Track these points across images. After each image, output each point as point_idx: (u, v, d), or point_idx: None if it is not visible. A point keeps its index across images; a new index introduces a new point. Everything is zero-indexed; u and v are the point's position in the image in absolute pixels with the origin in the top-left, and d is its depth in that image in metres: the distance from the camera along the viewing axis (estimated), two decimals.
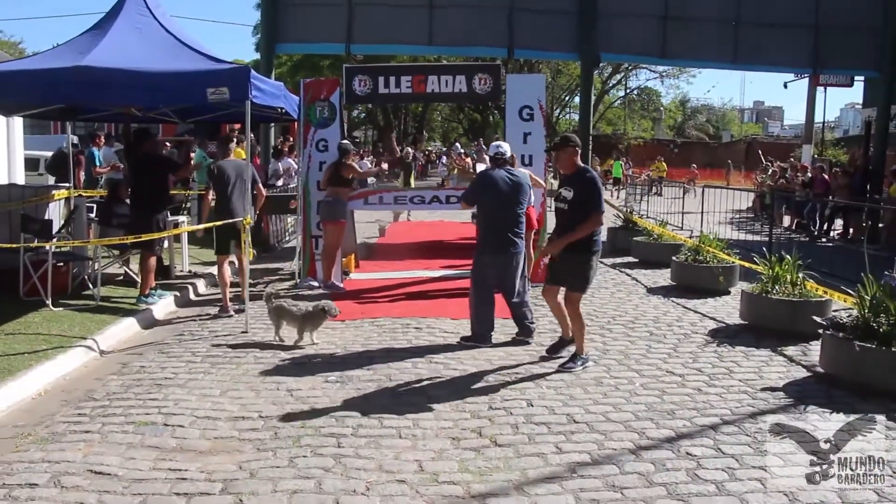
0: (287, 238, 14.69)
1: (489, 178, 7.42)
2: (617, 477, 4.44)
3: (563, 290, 6.83)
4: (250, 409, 5.57)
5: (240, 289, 9.02)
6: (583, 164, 6.75)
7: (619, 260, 12.94)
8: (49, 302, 8.36)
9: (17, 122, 14.77)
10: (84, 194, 11.25)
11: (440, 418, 5.39)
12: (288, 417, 5.38)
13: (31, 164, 19.25)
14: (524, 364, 6.74)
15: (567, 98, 53.85)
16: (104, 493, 4.23)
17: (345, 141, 10.46)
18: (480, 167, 12.03)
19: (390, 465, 4.59)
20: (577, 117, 46.54)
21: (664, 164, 37.65)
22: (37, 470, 4.54)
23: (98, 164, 14.04)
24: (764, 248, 9.84)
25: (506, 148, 7.73)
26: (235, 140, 10.39)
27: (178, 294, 9.50)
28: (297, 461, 4.64)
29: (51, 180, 16.64)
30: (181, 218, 11.49)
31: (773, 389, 6.07)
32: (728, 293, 9.84)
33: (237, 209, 8.61)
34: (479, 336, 7.40)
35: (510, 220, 7.34)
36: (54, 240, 9.41)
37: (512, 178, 7.40)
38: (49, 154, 19.80)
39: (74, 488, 4.31)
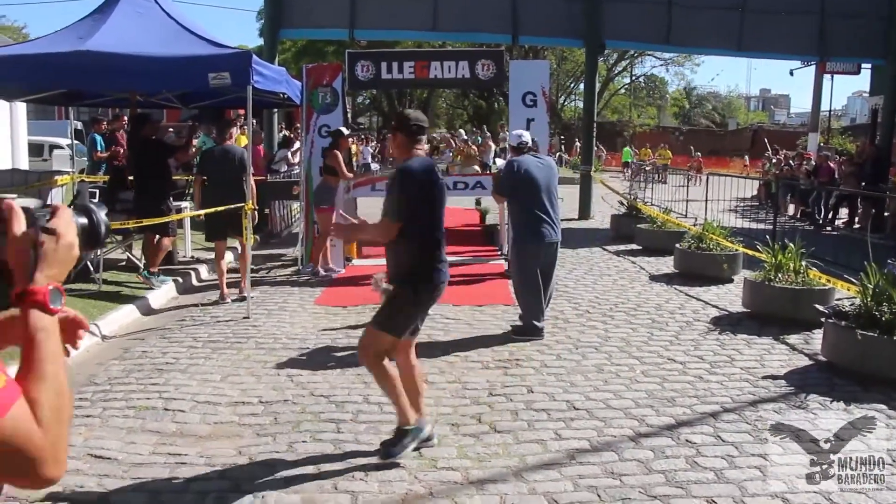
0: (294, 224, 14.65)
1: (523, 166, 7.17)
2: (616, 464, 4.44)
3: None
4: (251, 395, 5.57)
5: (240, 275, 9.02)
6: (414, 154, 4.65)
7: (622, 247, 12.90)
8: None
9: (21, 107, 14.80)
10: (86, 180, 11.24)
11: (440, 404, 5.39)
12: (288, 403, 5.39)
13: (35, 150, 19.28)
14: (526, 351, 6.74)
15: (572, 85, 53.73)
16: (104, 477, 4.24)
17: (341, 127, 10.38)
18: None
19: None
20: (582, 104, 46.40)
21: (668, 151, 37.54)
22: None
23: (100, 149, 14.02)
24: (767, 237, 9.81)
25: (528, 136, 7.62)
26: (238, 126, 10.36)
27: (180, 280, 9.50)
28: (296, 446, 4.65)
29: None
30: (184, 203, 11.48)
31: (774, 378, 6.06)
32: (731, 281, 9.82)
33: (223, 196, 8.46)
34: (532, 328, 7.15)
35: (551, 206, 7.22)
36: None
37: (542, 163, 7.34)
38: (54, 139, 19.84)
39: (75, 471, 4.32)
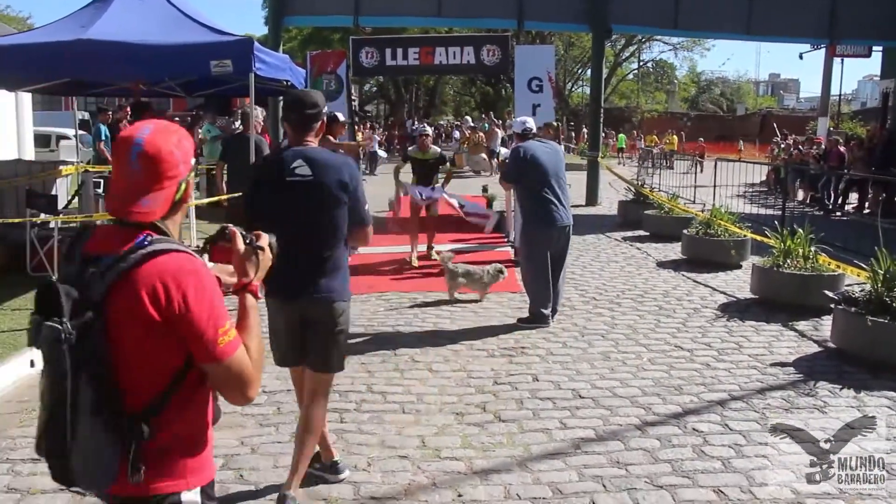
0: None
1: (531, 152, 7.05)
2: (622, 453, 4.39)
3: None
4: None
5: None
6: (305, 144, 3.75)
7: (629, 233, 12.82)
8: (55, 276, 8.34)
9: (26, 97, 14.76)
10: (91, 170, 11.20)
11: (444, 393, 5.35)
12: (291, 392, 5.32)
13: (42, 141, 19.29)
14: (532, 339, 6.68)
15: (580, 71, 53.42)
16: None
17: (337, 113, 10.28)
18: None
19: (392, 441, 4.56)
20: (589, 90, 46.33)
21: (675, 137, 37.35)
22: None
23: (104, 139, 13.98)
24: (776, 222, 9.71)
25: (531, 123, 7.57)
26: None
27: None
28: None
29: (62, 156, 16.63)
30: None
31: (782, 365, 5.99)
32: (739, 267, 9.73)
33: (243, 183, 8.46)
34: (539, 315, 7.08)
35: (561, 190, 7.12)
36: (60, 215, 9.38)
37: (549, 148, 7.25)
38: (61, 130, 19.84)
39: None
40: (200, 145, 15.20)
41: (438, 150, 10.16)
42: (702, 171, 21.95)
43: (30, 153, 15.25)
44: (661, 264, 10.17)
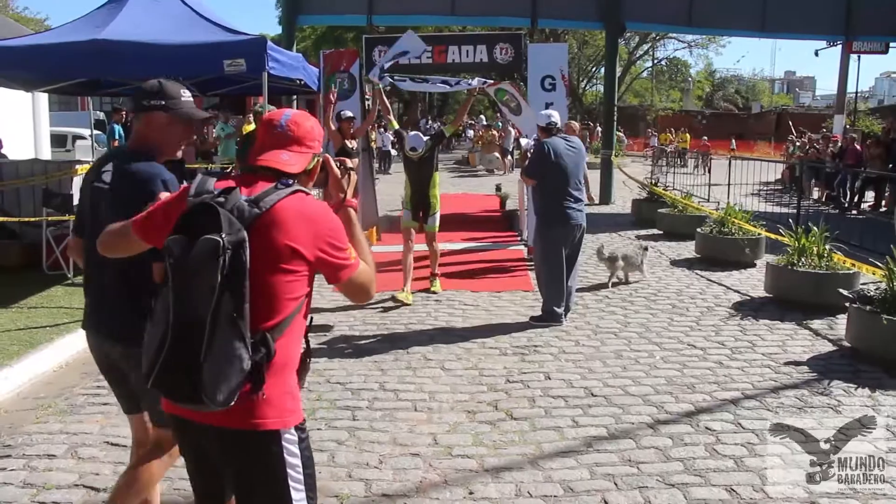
0: None
1: (555, 148, 7.02)
2: (634, 451, 4.38)
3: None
4: None
5: None
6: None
7: (643, 232, 12.78)
8: (71, 275, 8.42)
9: (43, 98, 14.86)
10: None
11: (456, 391, 5.35)
12: (303, 390, 5.34)
13: (58, 141, 19.42)
14: (544, 337, 6.67)
15: (594, 69, 53.19)
16: (119, 465, 4.24)
17: (345, 111, 10.29)
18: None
19: (404, 439, 4.57)
20: (603, 88, 45.97)
21: (687, 135, 37.13)
22: (55, 441, 4.58)
23: (118, 139, 14.10)
24: (791, 220, 9.66)
25: (557, 117, 7.48)
26: (252, 114, 10.29)
27: None
28: (311, 434, 4.58)
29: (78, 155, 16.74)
30: None
31: (796, 364, 5.96)
32: (753, 265, 9.68)
33: None
34: (552, 314, 7.06)
35: (578, 190, 7.12)
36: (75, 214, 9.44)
37: (572, 146, 7.22)
38: (77, 130, 19.97)
39: (91, 459, 4.34)
40: (215, 144, 15.29)
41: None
42: (706, 170, 21.86)
43: (46, 153, 15.36)
44: (675, 263, 10.13)
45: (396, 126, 8.80)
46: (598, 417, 4.89)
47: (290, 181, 2.26)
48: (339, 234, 2.28)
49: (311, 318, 2.44)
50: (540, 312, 7.16)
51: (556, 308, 7.03)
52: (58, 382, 5.69)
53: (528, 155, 7.61)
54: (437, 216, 8.44)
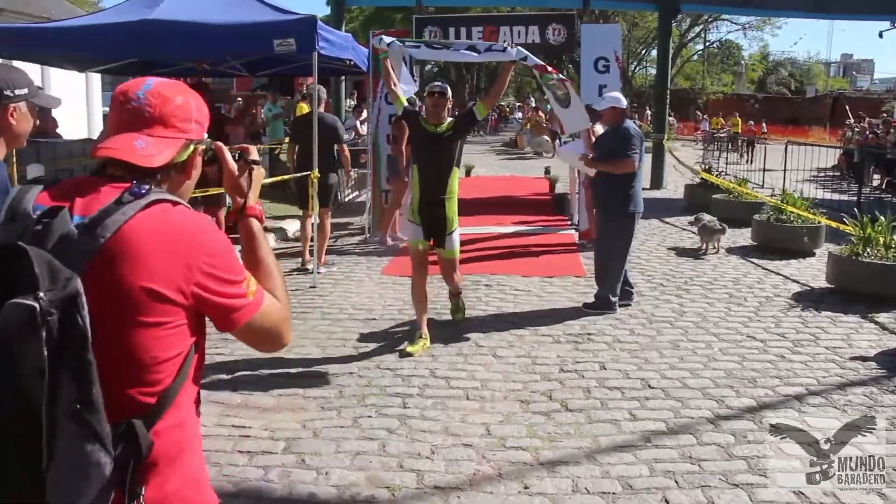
0: (348, 192, 14.57)
1: (638, 133, 6.96)
2: (694, 448, 4.21)
3: None
4: (316, 367, 5.50)
5: (300, 245, 8.94)
6: None
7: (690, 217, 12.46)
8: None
9: (95, 78, 15.03)
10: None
11: (509, 380, 5.22)
12: (353, 376, 5.29)
13: None
14: (598, 325, 6.51)
15: (643, 52, 52.35)
16: None
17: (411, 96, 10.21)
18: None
19: (456, 428, 4.46)
20: (653, 71, 45.13)
21: (739, 119, 36.31)
22: None
23: None
24: (855, 209, 9.32)
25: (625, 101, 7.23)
26: (300, 94, 10.23)
27: None
28: (361, 421, 4.54)
29: None
30: None
31: (863, 359, 5.71)
32: (812, 255, 9.37)
33: (314, 164, 8.33)
34: (609, 303, 6.90)
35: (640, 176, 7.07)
36: None
37: (640, 131, 7.14)
38: None
39: None
40: (264, 125, 15.28)
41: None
42: (751, 156, 21.35)
43: (98, 132, 15.53)
44: (731, 250, 9.85)
45: (405, 103, 6.09)
46: (657, 411, 4.72)
47: (147, 185, 1.55)
48: (224, 261, 1.57)
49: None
50: (593, 299, 6.98)
51: (612, 297, 6.86)
52: None
53: (592, 137, 7.24)
54: (457, 234, 6.04)
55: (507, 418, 4.61)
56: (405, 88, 6.50)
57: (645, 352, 5.84)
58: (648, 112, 34.51)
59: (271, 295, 1.71)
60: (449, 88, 6.02)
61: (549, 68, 6.38)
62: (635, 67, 53.81)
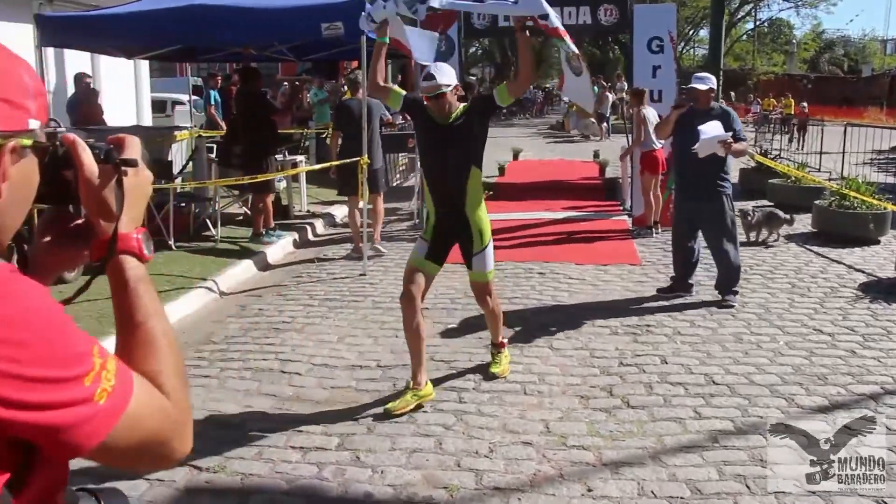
0: (397, 177, 14.45)
1: None
2: (765, 449, 4.00)
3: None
4: (368, 358, 5.39)
5: (350, 231, 8.84)
6: None
7: (753, 203, 12.08)
8: (171, 242, 8.45)
9: (144, 65, 15.05)
10: (204, 134, 11.32)
11: (567, 374, 5.06)
12: (407, 368, 5.14)
13: (158, 107, 19.78)
14: (656, 316, 6.29)
15: (691, 32, 51.33)
16: (221, 443, 4.14)
17: (469, 77, 10.05)
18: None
19: (515, 425, 4.31)
20: (701, 53, 44.20)
21: (791, 100, 35.31)
22: None
23: (214, 104, 14.17)
24: None
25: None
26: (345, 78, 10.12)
27: (296, 235, 9.45)
28: (416, 416, 4.42)
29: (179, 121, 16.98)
30: (299, 157, 11.42)
31: None
32: (877, 242, 9.00)
33: (357, 150, 8.22)
34: (682, 283, 6.89)
35: None
36: (176, 180, 9.48)
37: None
38: (176, 96, 20.31)
39: (195, 435, 4.22)
40: (310, 111, 15.22)
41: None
42: (802, 141, 20.68)
43: (147, 119, 15.60)
44: (790, 237, 9.51)
45: (402, 93, 4.89)
46: (723, 409, 4.52)
47: None
48: (38, 347, 0.93)
49: None
50: (669, 283, 6.98)
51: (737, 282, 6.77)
52: None
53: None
54: (490, 251, 4.84)
55: (567, 414, 4.45)
56: (420, 53, 5.38)
57: (707, 345, 5.62)
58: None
59: (151, 385, 1.07)
60: (448, 76, 4.58)
61: (567, 37, 5.79)
62: (683, 48, 52.81)
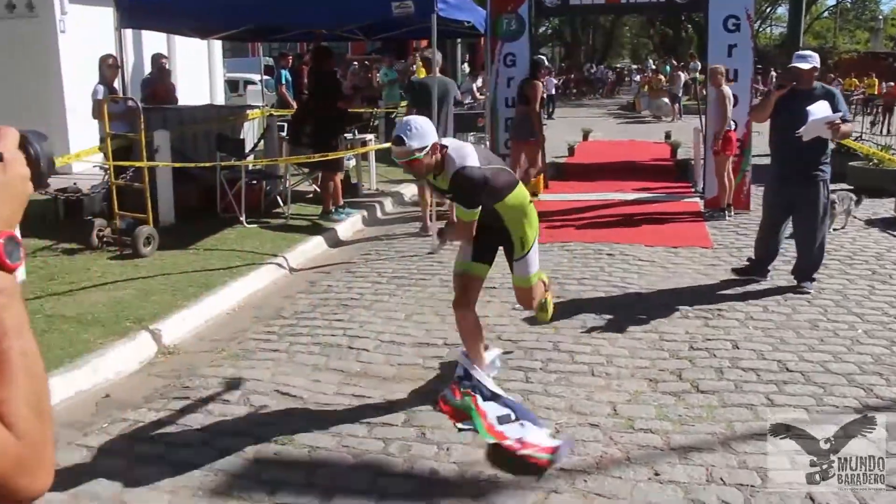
0: None
1: None
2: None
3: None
4: (435, 335, 5.42)
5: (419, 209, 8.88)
6: None
7: (832, 187, 11.70)
8: (243, 219, 8.61)
9: (217, 45, 15.33)
10: (275, 113, 11.47)
11: (635, 356, 4.99)
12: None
13: (232, 86, 20.19)
14: (728, 301, 6.16)
15: (768, 9, 49.85)
16: (289, 416, 4.22)
17: (538, 56, 9.94)
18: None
19: (582, 406, 4.28)
20: (778, 31, 42.85)
21: (875, 80, 33.94)
22: (229, 386, 4.62)
23: (285, 83, 14.35)
24: None
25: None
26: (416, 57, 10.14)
27: (365, 213, 9.53)
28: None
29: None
30: (368, 136, 11.49)
31: None
32: None
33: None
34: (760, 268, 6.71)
35: None
36: (248, 158, 9.64)
37: None
38: (247, 76, 20.64)
39: (262, 407, 4.34)
40: (381, 90, 15.30)
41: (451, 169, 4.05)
42: (885, 124, 19.84)
43: (220, 99, 15.91)
44: (871, 222, 9.18)
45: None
46: (796, 397, 4.39)
47: None
48: None
49: None
50: (746, 264, 6.80)
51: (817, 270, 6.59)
52: (231, 325, 5.78)
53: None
54: (534, 255, 4.46)
55: (635, 397, 4.39)
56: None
57: (780, 331, 5.47)
58: (773, 74, 32.74)
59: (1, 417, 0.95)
60: (419, 137, 3.87)
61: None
62: (759, 26, 51.33)
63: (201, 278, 6.55)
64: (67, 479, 3.57)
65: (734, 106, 9.12)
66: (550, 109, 24.54)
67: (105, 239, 7.54)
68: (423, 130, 3.90)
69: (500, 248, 4.49)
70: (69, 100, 11.44)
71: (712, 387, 4.53)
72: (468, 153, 4.03)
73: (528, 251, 4.38)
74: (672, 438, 3.91)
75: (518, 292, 4.64)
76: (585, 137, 18.01)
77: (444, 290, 6.44)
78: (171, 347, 5.31)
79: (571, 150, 15.43)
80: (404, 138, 3.86)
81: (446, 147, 4.04)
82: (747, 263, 6.85)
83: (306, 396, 4.45)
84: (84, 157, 8.33)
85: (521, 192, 4.32)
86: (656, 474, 3.59)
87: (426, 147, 3.88)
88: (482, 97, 12.09)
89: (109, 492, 3.51)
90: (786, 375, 4.69)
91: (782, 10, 49.00)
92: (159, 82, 10.48)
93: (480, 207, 4.04)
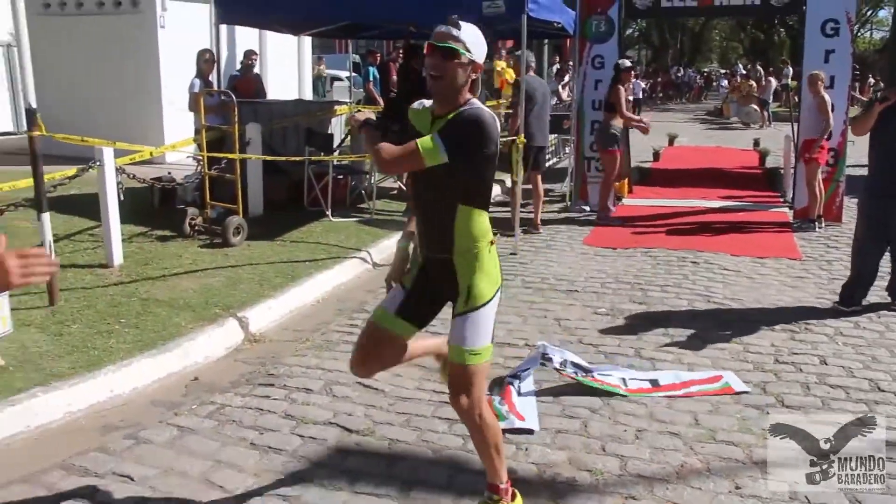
0: (548, 158, 14.36)
1: None
2: None
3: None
4: (516, 336, 5.44)
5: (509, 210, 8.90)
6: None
7: None
8: (329, 213, 8.78)
9: (306, 41, 15.65)
10: (362, 110, 11.65)
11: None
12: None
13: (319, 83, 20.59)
14: (816, 314, 5.99)
15: (869, 13, 48.01)
16: (370, 408, 4.30)
17: (622, 59, 9.83)
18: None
19: (662, 414, 4.23)
20: (879, 35, 41.20)
21: None
22: (312, 376, 4.73)
23: (372, 80, 14.54)
24: None
25: None
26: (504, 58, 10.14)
27: None
28: (562, 398, 4.41)
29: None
30: None
31: None
32: None
33: (534, 129, 8.42)
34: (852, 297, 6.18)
35: None
36: (335, 153, 9.83)
37: None
38: (335, 72, 20.98)
39: (344, 398, 4.42)
40: None
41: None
42: None
43: (308, 94, 16.23)
44: None
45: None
46: (889, 418, 4.24)
47: None
48: None
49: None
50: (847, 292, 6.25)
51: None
52: (315, 316, 5.92)
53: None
54: (480, 320, 3.02)
55: (717, 409, 4.33)
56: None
57: (871, 348, 5.30)
58: (871, 80, 31.56)
59: None
60: (473, 43, 2.92)
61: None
62: (858, 30, 49.49)
63: (287, 269, 6.72)
64: (159, 456, 3.74)
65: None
66: (637, 113, 24.23)
67: (197, 227, 7.81)
68: (479, 40, 2.96)
69: (446, 304, 3.28)
70: (167, 92, 11.88)
71: (798, 402, 4.42)
72: (491, 118, 2.96)
73: (475, 309, 3.01)
74: (754, 452, 3.84)
75: (451, 372, 3.09)
76: (671, 142, 17.73)
77: (526, 292, 6.48)
78: (257, 335, 5.47)
79: (657, 155, 15.22)
80: (459, 32, 2.89)
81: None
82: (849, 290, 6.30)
83: (388, 390, 4.53)
84: (179, 148, 8.62)
85: (486, 221, 3.07)
86: (737, 487, 3.53)
87: (472, 56, 2.92)
88: (567, 98, 12.02)
89: (197, 470, 3.65)
90: (877, 395, 4.55)
91: (884, 13, 47.15)
92: (242, 78, 10.77)
93: (448, 162, 2.85)
